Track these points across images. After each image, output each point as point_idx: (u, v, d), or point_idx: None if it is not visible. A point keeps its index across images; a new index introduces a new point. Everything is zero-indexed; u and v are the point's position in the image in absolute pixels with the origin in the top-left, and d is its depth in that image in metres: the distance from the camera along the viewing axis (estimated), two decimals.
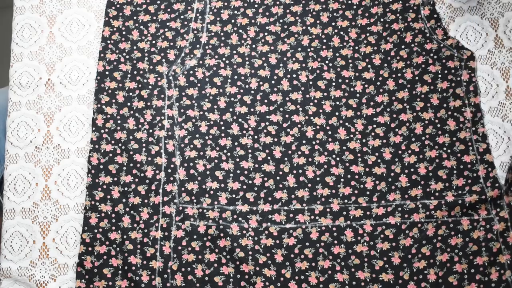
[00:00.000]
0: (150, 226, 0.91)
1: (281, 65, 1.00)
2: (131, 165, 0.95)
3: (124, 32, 1.03)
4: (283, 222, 0.91)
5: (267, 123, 0.96)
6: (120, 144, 0.96)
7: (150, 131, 0.97)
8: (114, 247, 0.91)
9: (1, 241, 0.95)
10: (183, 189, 0.93)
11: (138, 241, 0.91)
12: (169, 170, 0.94)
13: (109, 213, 0.92)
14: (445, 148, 0.92)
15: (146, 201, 0.93)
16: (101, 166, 0.95)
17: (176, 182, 0.94)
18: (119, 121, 0.97)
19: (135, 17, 1.05)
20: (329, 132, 0.95)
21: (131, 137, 0.96)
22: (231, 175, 0.94)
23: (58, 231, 0.94)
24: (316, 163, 0.94)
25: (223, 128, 0.97)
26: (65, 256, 0.92)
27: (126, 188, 0.94)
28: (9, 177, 0.97)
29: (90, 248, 0.91)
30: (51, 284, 0.91)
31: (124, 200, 0.93)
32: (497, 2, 1.01)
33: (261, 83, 0.99)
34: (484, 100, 0.95)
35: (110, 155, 0.95)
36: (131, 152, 0.95)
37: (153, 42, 1.03)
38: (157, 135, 0.96)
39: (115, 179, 0.94)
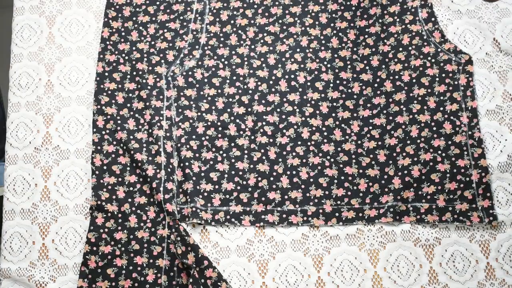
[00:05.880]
0: (157, 225, 0.92)
1: (279, 65, 1.00)
2: (134, 165, 0.95)
3: (123, 33, 1.03)
4: (276, 223, 0.92)
5: (263, 123, 0.97)
6: (121, 145, 0.96)
7: (150, 131, 0.97)
8: (119, 247, 0.91)
9: (0, 242, 0.95)
10: (180, 190, 0.94)
11: (145, 240, 0.91)
12: (169, 169, 0.95)
13: (116, 213, 0.93)
14: (440, 152, 0.92)
15: (152, 200, 0.93)
16: (105, 167, 0.95)
17: (174, 183, 0.94)
18: (119, 122, 0.98)
19: (134, 18, 1.05)
20: (325, 133, 0.96)
21: (131, 137, 0.97)
22: (226, 175, 0.94)
23: (57, 232, 0.94)
24: (310, 164, 0.94)
25: (220, 129, 0.97)
26: (65, 257, 0.93)
27: (131, 188, 0.94)
28: (8, 178, 0.98)
29: (95, 248, 0.91)
30: (51, 284, 0.92)
31: (130, 200, 0.93)
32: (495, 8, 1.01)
33: (259, 83, 0.99)
34: (481, 103, 0.95)
35: (113, 155, 0.96)
36: (132, 152, 0.95)
37: (152, 43, 1.03)
38: (156, 134, 0.96)
39: (120, 179, 0.95)
